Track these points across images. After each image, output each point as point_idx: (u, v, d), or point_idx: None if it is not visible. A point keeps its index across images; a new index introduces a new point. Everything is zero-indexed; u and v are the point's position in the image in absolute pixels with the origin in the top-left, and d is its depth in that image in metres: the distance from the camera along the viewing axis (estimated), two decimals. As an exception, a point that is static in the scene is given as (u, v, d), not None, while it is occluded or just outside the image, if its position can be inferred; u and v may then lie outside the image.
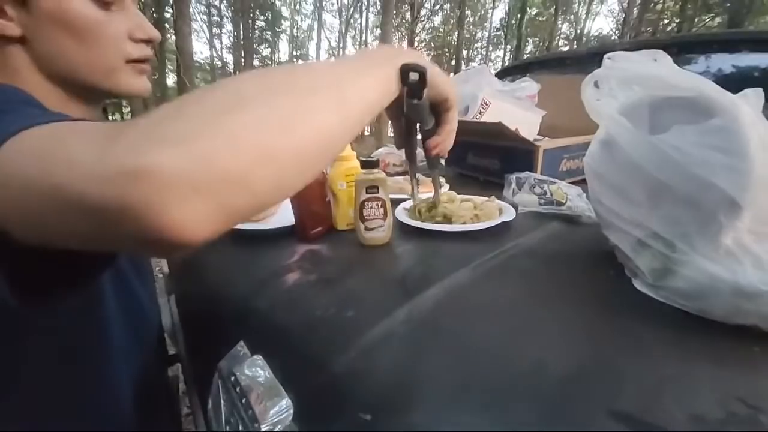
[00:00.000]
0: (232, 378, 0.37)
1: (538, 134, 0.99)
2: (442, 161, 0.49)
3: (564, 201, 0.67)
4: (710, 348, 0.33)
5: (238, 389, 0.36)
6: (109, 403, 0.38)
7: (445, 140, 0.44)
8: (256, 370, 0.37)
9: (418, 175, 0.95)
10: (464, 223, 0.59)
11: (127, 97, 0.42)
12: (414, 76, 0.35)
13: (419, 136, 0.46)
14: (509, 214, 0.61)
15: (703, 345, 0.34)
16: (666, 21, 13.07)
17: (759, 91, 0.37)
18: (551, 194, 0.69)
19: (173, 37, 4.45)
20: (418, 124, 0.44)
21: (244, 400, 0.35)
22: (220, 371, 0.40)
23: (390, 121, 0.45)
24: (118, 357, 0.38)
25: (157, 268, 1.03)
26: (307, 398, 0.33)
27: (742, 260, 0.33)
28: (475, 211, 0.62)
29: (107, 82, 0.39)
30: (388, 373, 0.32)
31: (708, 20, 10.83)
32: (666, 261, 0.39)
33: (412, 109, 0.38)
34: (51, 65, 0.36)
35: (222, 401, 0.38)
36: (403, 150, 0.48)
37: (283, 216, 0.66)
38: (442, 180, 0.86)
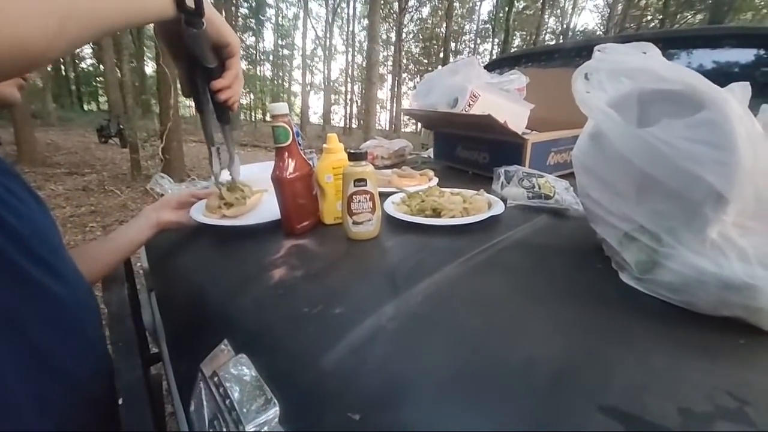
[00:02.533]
0: (216, 378, 0.36)
1: (525, 127, 1.00)
2: (232, 120, 0.54)
3: (552, 194, 0.67)
4: (697, 341, 0.34)
5: (221, 390, 0.35)
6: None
7: (233, 86, 0.47)
8: (240, 370, 0.36)
9: (405, 167, 0.94)
10: (453, 216, 0.59)
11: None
12: (190, 2, 0.38)
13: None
14: (498, 208, 0.61)
15: (690, 338, 0.34)
16: (649, 17, 13.31)
17: (746, 85, 0.37)
18: (539, 188, 0.69)
19: (152, 24, 4.27)
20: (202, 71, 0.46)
21: (228, 401, 0.33)
22: (203, 371, 0.38)
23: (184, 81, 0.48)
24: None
25: (138, 264, 0.99)
26: (293, 398, 0.32)
27: (727, 253, 0.34)
28: (464, 205, 0.61)
29: None
30: (377, 371, 0.32)
31: (690, 17, 11.08)
32: (652, 254, 0.39)
33: (192, 40, 0.41)
34: None
35: (205, 402, 0.37)
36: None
37: (269, 210, 0.64)
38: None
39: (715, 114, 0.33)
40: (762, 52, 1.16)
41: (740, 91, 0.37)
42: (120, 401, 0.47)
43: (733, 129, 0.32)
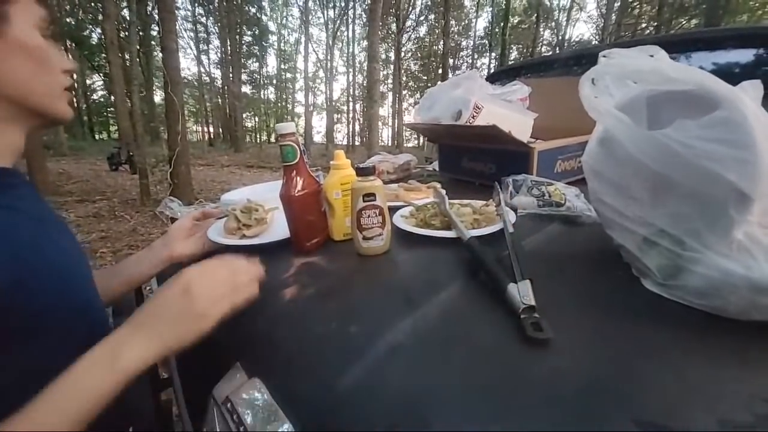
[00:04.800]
0: (228, 404, 0.35)
1: (530, 137, 0.99)
2: None
3: (563, 202, 0.66)
4: (729, 347, 0.32)
5: (235, 416, 0.34)
6: None
7: None
8: (253, 394, 0.35)
9: (411, 181, 0.94)
10: (465, 228, 0.58)
11: (59, 122, 0.45)
12: None
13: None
14: (510, 218, 0.60)
15: (722, 344, 0.32)
16: (644, 25, 13.48)
17: (757, 83, 0.36)
18: (549, 195, 0.68)
19: (161, 55, 4.43)
20: None
21: (242, 428, 0.32)
22: (215, 397, 0.37)
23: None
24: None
25: (147, 288, 0.99)
26: (310, 422, 0.31)
27: (755, 254, 0.32)
28: (474, 216, 0.60)
29: (52, 107, 0.42)
30: (398, 390, 0.30)
31: (684, 22, 11.20)
32: (676, 258, 0.38)
33: None
34: (6, 87, 0.38)
35: (218, 429, 0.36)
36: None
37: (279, 229, 0.64)
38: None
39: (731, 112, 0.33)
40: (761, 51, 1.16)
41: (752, 89, 0.37)
42: (130, 429, 0.46)
43: (749, 126, 0.32)
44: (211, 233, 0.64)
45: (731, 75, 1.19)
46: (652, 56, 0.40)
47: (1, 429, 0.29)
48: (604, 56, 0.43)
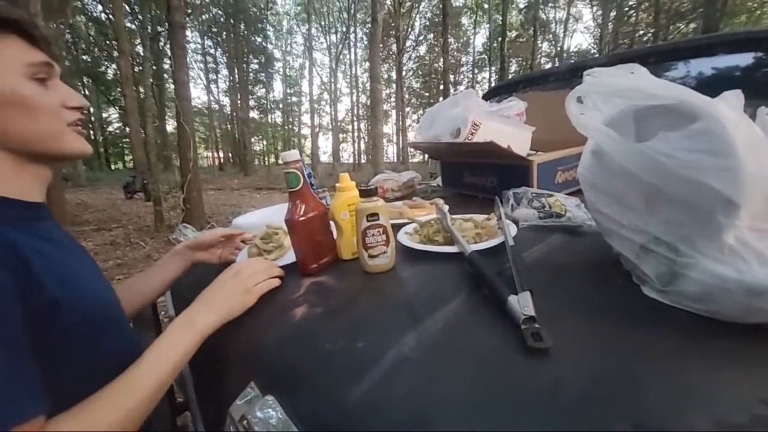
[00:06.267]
0: (245, 422, 0.36)
1: (530, 149, 1.01)
2: None
3: (563, 212, 0.67)
4: (727, 350, 0.33)
5: (250, 433, 0.35)
6: None
7: None
8: (267, 412, 0.36)
9: (415, 198, 0.96)
10: (467, 242, 0.59)
11: (73, 157, 0.48)
12: None
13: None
14: (511, 230, 0.61)
15: (720, 348, 0.33)
16: (641, 32, 13.58)
17: (738, 92, 0.38)
18: (550, 207, 0.69)
19: (172, 86, 4.64)
20: None
21: (257, 445, 0.34)
22: (231, 416, 0.39)
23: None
24: None
25: (163, 312, 1.02)
26: (322, 437, 0.32)
27: (747, 258, 0.33)
28: (476, 230, 0.62)
29: (55, 146, 0.45)
30: (405, 402, 0.31)
31: (683, 27, 11.24)
32: (671, 265, 0.39)
33: None
34: (5, 139, 0.42)
35: (235, 447, 0.37)
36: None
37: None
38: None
39: (709, 123, 0.34)
40: (759, 54, 1.17)
41: (734, 99, 0.39)
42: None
43: (729, 135, 0.33)
44: (239, 260, 0.69)
45: (730, 80, 1.20)
46: (632, 73, 0.42)
47: (122, 376, 0.40)
48: (588, 75, 0.45)
